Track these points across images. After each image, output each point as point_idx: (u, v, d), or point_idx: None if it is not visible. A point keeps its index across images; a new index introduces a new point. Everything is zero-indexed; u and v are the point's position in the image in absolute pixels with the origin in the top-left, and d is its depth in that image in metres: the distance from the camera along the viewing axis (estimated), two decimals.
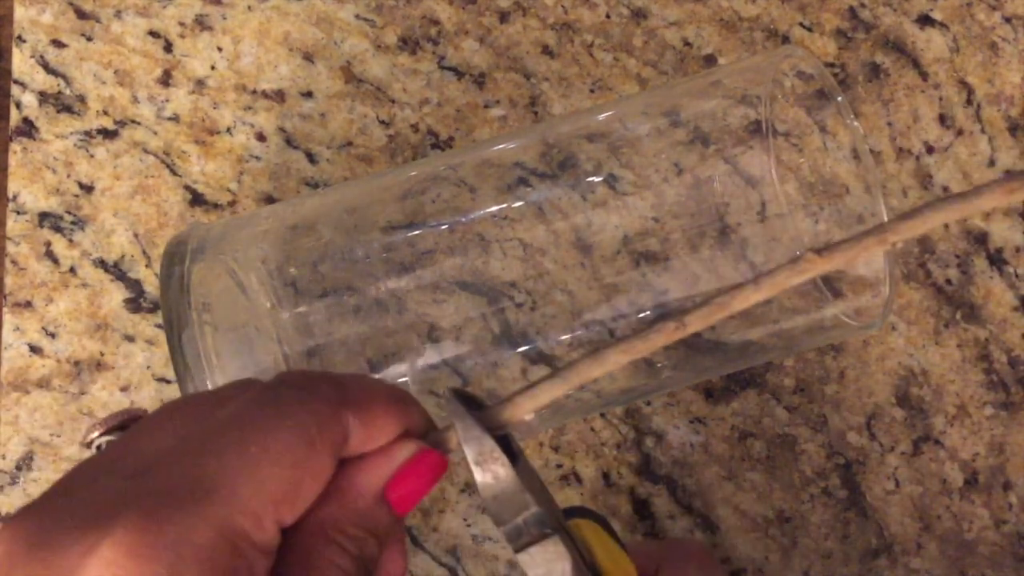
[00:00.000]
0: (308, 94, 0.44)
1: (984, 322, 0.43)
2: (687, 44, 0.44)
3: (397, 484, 0.25)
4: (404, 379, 0.35)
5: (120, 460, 0.23)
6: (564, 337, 0.36)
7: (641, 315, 0.36)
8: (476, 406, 0.26)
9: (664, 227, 0.35)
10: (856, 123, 0.35)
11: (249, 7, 0.44)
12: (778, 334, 0.37)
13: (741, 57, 0.44)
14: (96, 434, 0.28)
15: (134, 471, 0.22)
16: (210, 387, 0.33)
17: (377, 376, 0.35)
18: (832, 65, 0.44)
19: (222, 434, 0.23)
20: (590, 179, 0.36)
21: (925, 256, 0.44)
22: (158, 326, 0.42)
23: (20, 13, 0.44)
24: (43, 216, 0.43)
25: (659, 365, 0.36)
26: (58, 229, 0.43)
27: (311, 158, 0.44)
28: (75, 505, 0.22)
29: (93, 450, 0.28)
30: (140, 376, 0.42)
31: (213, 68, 0.44)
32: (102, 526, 0.21)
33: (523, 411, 0.26)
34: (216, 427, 0.23)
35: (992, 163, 0.44)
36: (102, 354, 0.42)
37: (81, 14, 0.44)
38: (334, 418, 0.24)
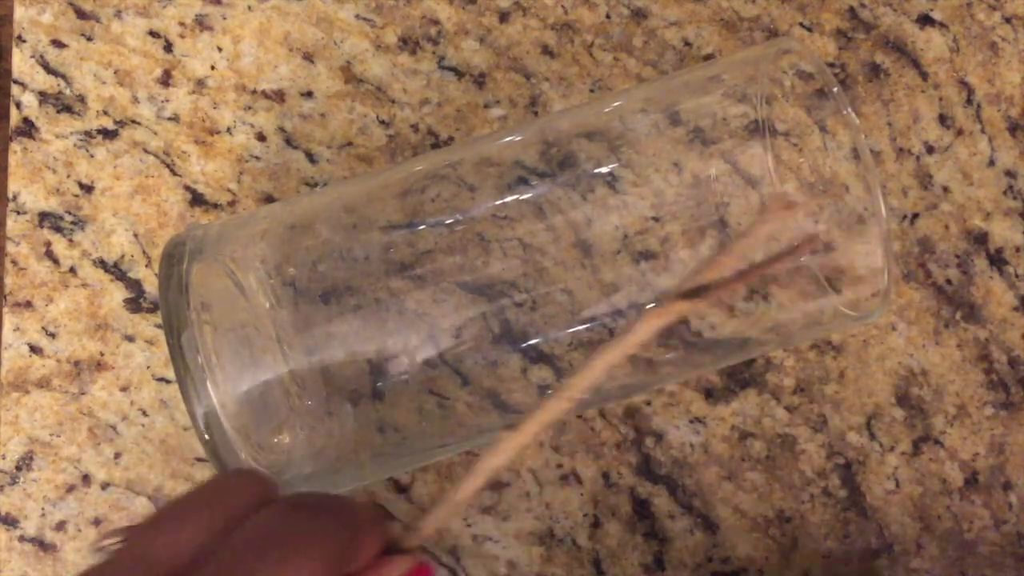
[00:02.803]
0: (308, 94, 0.44)
1: (984, 322, 0.43)
2: (687, 44, 0.44)
3: None
4: (404, 378, 0.35)
5: (135, 566, 0.24)
6: (564, 336, 0.36)
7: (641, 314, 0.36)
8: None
9: (664, 226, 0.35)
10: (850, 111, 0.35)
11: (249, 7, 0.44)
12: (776, 329, 0.37)
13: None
14: (111, 541, 0.29)
15: None
16: (210, 387, 0.33)
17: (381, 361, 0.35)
18: (832, 65, 0.44)
19: (251, 555, 0.24)
20: (590, 178, 0.36)
21: (925, 256, 0.44)
22: (158, 326, 0.43)
23: (20, 13, 0.44)
24: (43, 216, 0.43)
25: (657, 362, 0.36)
26: (58, 229, 0.43)
27: (311, 158, 0.44)
28: None
29: (103, 554, 0.29)
30: (140, 376, 0.42)
31: (213, 68, 0.44)
32: None
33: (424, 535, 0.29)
34: (243, 547, 0.24)
35: (992, 163, 0.44)
36: (102, 354, 0.42)
37: (81, 14, 0.44)
38: (352, 541, 0.25)
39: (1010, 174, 0.44)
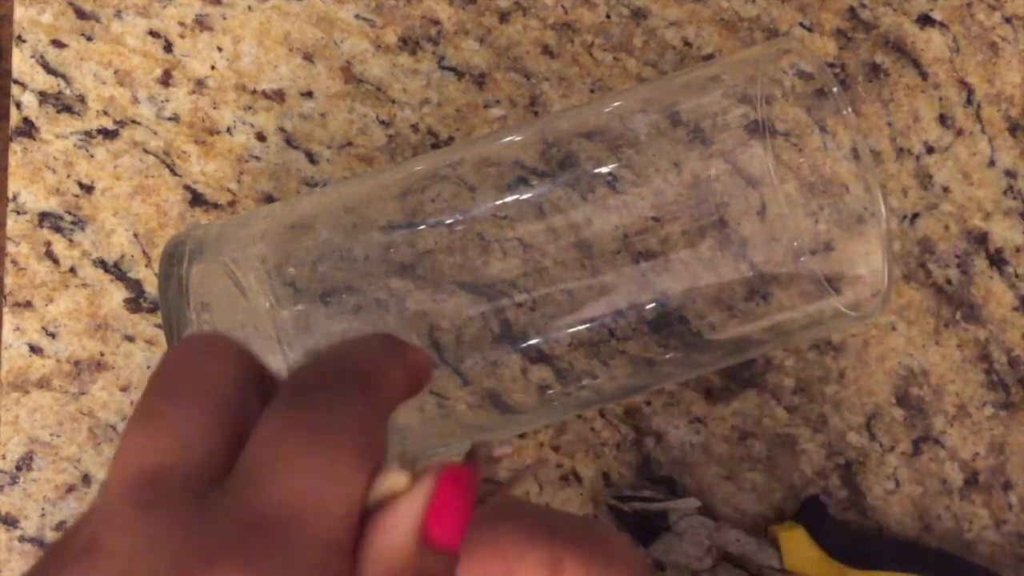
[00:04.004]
0: (308, 94, 0.44)
1: (984, 322, 0.43)
2: (687, 44, 0.44)
3: (436, 517, 0.21)
4: None
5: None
6: (564, 336, 0.36)
7: (641, 314, 0.36)
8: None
9: (664, 226, 0.35)
10: (850, 111, 0.35)
11: (249, 7, 0.44)
12: (776, 329, 0.37)
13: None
14: None
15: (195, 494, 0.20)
16: None
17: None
18: (832, 65, 0.44)
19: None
20: (590, 178, 0.36)
21: (925, 256, 0.44)
22: (158, 326, 0.43)
23: (20, 13, 0.44)
24: (43, 216, 0.43)
25: (657, 362, 0.36)
26: (58, 229, 0.43)
27: (311, 158, 0.44)
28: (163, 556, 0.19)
29: None
30: (140, 376, 0.42)
31: (213, 68, 0.44)
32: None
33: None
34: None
35: (992, 163, 0.44)
36: (102, 354, 0.42)
37: (81, 14, 0.44)
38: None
39: (1010, 174, 0.44)
